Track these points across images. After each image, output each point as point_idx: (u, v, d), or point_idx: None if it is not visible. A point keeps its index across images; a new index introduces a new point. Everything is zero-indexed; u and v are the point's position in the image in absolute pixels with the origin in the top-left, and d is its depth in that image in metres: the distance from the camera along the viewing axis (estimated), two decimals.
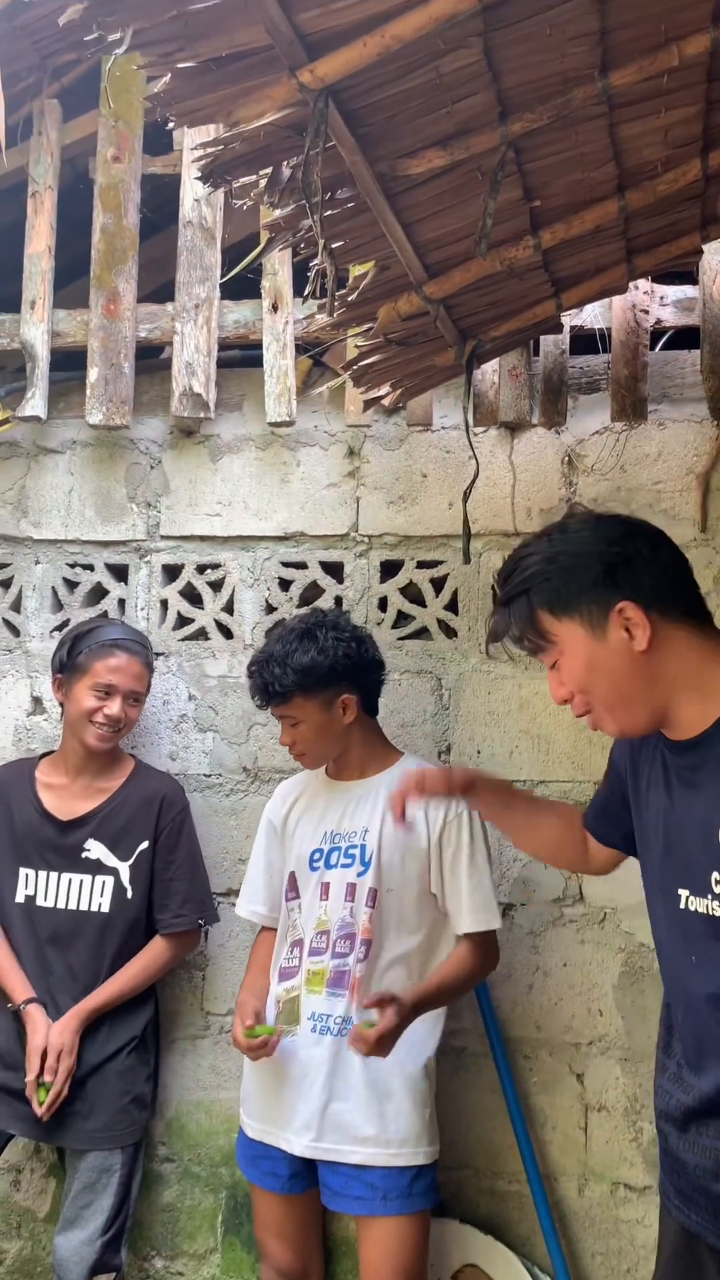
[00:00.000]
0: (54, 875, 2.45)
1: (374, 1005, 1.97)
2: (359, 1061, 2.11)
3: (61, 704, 2.52)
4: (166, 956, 2.47)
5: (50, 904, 2.44)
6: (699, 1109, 1.43)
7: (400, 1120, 2.12)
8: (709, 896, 1.41)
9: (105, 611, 2.77)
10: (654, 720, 1.46)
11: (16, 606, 2.83)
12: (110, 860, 2.45)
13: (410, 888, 2.20)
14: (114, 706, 2.42)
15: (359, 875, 2.20)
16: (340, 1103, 2.13)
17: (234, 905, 2.46)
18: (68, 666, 2.47)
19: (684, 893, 1.45)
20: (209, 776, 2.69)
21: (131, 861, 2.46)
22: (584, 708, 1.48)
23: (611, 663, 1.42)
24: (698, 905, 1.42)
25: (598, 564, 1.43)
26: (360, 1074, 2.13)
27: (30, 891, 2.46)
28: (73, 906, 2.44)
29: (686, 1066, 1.47)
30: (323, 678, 2.20)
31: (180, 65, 1.31)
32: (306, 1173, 2.18)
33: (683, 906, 1.45)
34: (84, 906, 2.43)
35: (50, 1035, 2.32)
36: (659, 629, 1.41)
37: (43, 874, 2.46)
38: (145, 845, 2.46)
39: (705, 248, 2.28)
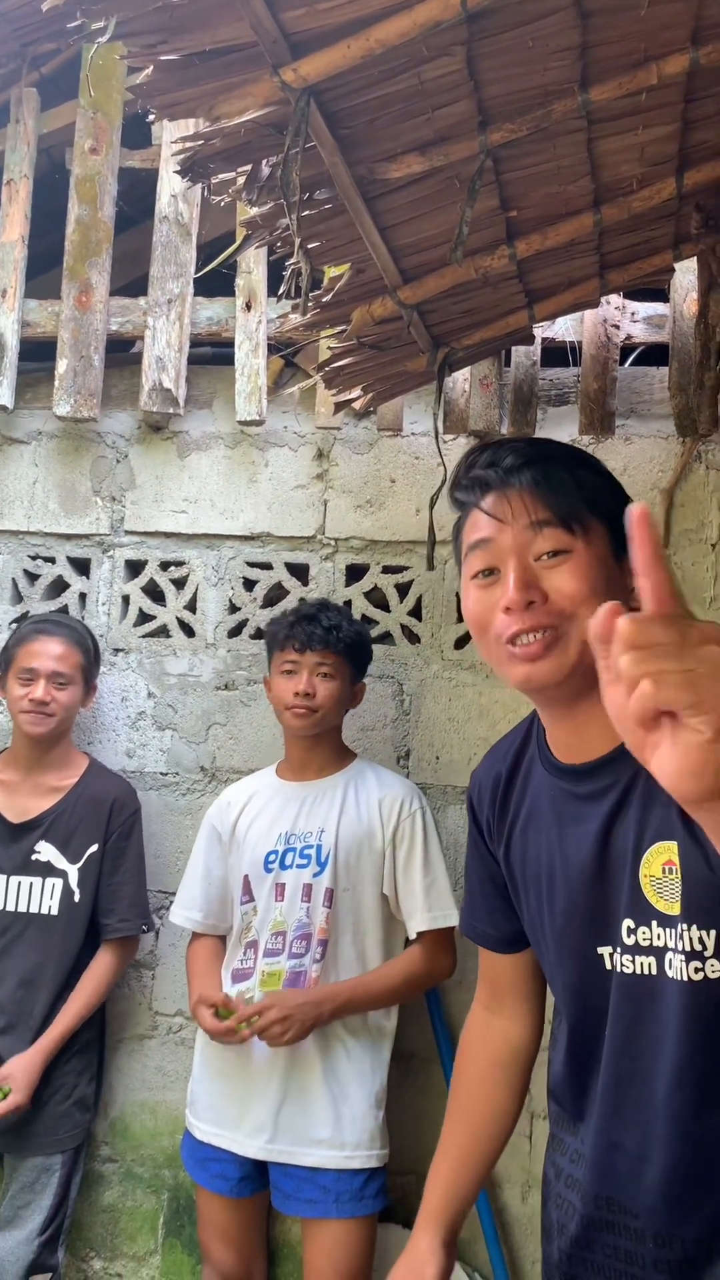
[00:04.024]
0: (3, 878, 2.43)
1: (251, 1014, 2.08)
2: (317, 1063, 2.12)
3: (5, 700, 2.53)
4: (116, 967, 2.44)
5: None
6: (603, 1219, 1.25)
7: (355, 1122, 2.12)
8: (620, 949, 1.20)
9: (65, 605, 2.75)
10: (578, 687, 1.18)
11: None
12: (60, 863, 2.43)
13: (366, 888, 2.21)
14: (37, 690, 2.41)
15: (315, 875, 2.20)
16: (295, 1104, 2.12)
17: None
18: (1, 663, 2.50)
19: (605, 951, 1.22)
20: (165, 775, 2.67)
21: (81, 864, 2.43)
22: (549, 621, 1.15)
23: (614, 596, 1.11)
24: (619, 964, 1.21)
25: (627, 501, 1.24)
26: (319, 1075, 2.13)
27: None
28: (21, 909, 2.41)
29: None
30: (365, 654, 2.37)
31: (163, 58, 1.30)
32: (256, 1175, 2.18)
33: (609, 968, 1.22)
34: (33, 909, 2.40)
35: (15, 1073, 2.26)
36: None
37: None
38: (95, 848, 2.44)
39: (677, 266, 2.31)
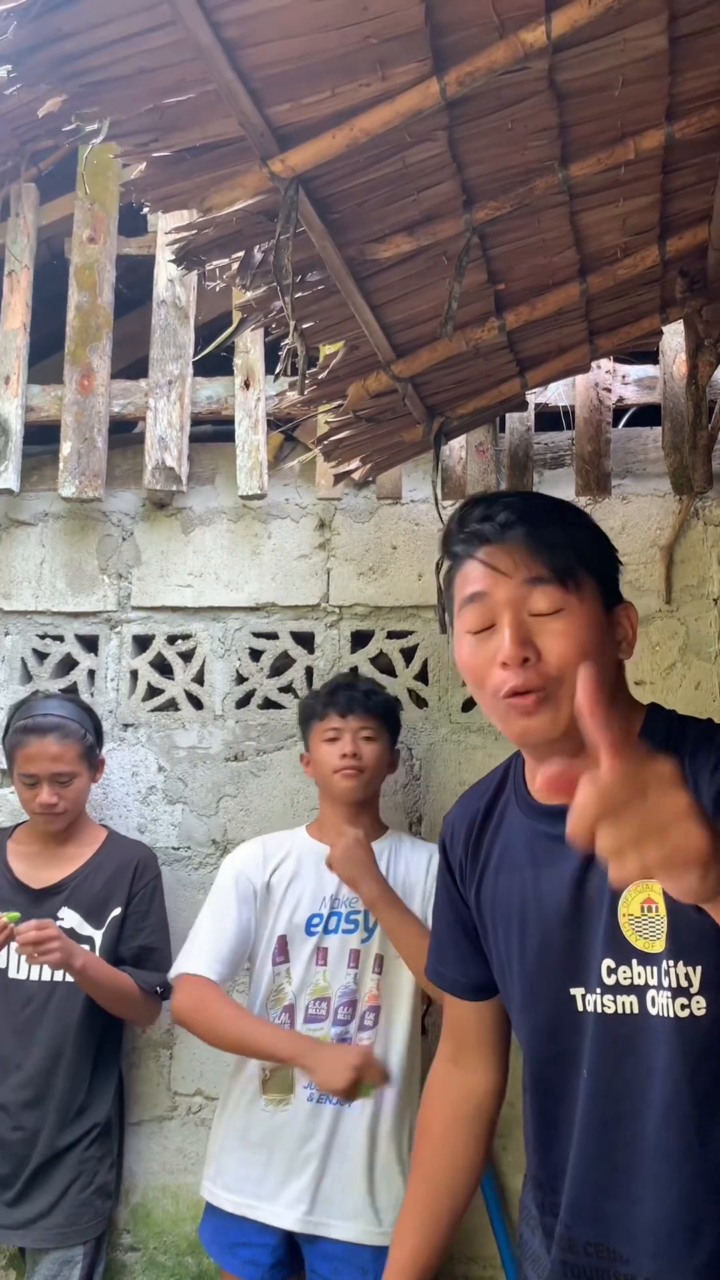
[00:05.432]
0: None
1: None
2: (360, 1135, 2.09)
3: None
4: (132, 992, 2.33)
5: (23, 975, 2.38)
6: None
7: (394, 1198, 2.06)
8: (600, 990, 1.19)
9: (74, 683, 2.76)
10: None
11: None
12: (85, 929, 2.40)
13: None
14: (43, 794, 2.39)
15: (363, 941, 2.19)
16: (336, 1176, 2.07)
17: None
18: (4, 750, 2.49)
19: (578, 993, 1.22)
20: (177, 850, 2.66)
21: (104, 929, 2.41)
22: (539, 683, 1.16)
23: (604, 652, 1.20)
24: (598, 1005, 1.20)
25: (615, 555, 1.30)
26: (361, 1147, 2.09)
27: (2, 964, 2.40)
28: (45, 977, 2.37)
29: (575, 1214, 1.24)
30: (398, 721, 2.41)
31: (155, 154, 1.36)
32: (289, 1260, 2.11)
33: (581, 1009, 1.22)
34: (57, 977, 2.36)
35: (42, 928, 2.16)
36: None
37: (14, 945, 2.40)
38: (118, 911, 2.42)
39: (665, 329, 2.36)
